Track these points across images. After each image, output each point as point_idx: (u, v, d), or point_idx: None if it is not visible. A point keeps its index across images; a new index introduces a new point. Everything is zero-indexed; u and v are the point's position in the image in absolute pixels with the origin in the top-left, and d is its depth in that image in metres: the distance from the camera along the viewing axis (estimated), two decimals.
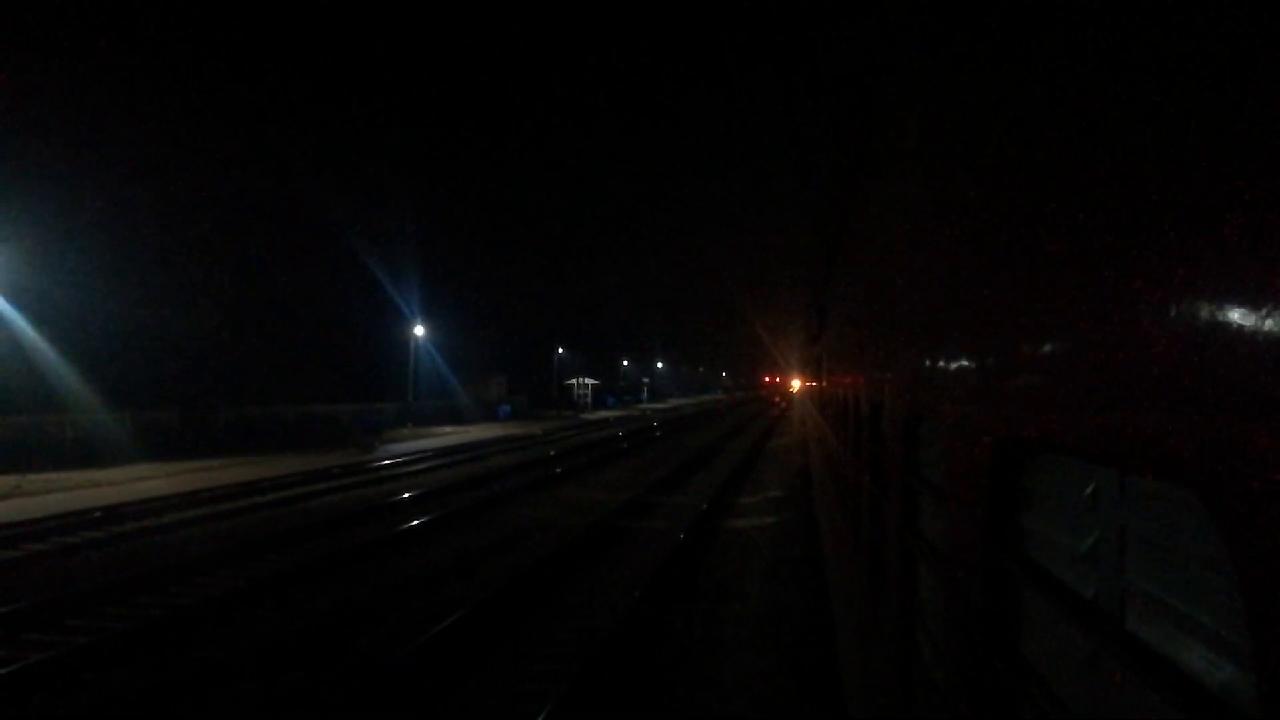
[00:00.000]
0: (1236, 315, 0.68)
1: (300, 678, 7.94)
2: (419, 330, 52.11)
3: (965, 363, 1.68)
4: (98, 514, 15.91)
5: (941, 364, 1.95)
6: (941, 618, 2.08)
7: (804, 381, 25.38)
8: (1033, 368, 1.22)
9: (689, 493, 20.18)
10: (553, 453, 30.75)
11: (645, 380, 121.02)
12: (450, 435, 41.04)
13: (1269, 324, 0.63)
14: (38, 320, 30.92)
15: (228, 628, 9.47)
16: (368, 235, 57.63)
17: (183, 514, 16.64)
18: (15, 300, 29.43)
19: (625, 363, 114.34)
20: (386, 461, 26.67)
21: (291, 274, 53.23)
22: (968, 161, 1.69)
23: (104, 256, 36.66)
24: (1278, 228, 0.63)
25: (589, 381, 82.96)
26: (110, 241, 37.71)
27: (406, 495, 18.98)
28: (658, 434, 42.18)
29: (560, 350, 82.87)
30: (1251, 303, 0.65)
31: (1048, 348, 1.15)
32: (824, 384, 11.29)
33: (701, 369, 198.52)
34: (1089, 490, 1.22)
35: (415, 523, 15.06)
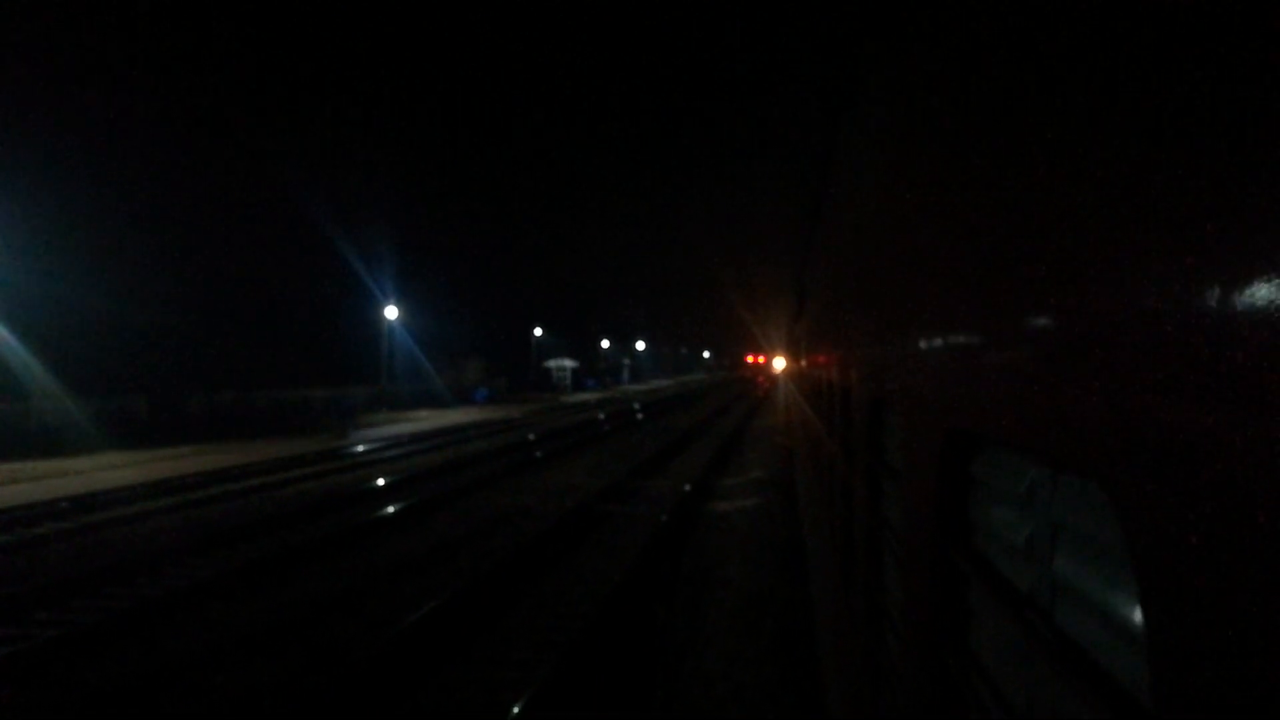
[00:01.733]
0: (1126, 317, 0.74)
1: (274, 669, 7.74)
2: (392, 312, 51.41)
3: (922, 351, 1.71)
4: (64, 504, 15.54)
5: (902, 351, 1.99)
6: (898, 606, 2.13)
7: (787, 361, 25.37)
8: (980, 360, 1.26)
9: (671, 476, 20.10)
10: (531, 437, 30.53)
11: (626, 361, 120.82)
12: (426, 420, 40.67)
13: (1148, 323, 0.69)
14: None
15: (199, 620, 9.23)
16: (340, 215, 56.72)
17: (152, 503, 16.26)
18: None
19: (605, 343, 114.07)
20: (361, 447, 26.35)
21: (262, 256, 52.35)
22: (924, 152, 1.71)
23: (68, 243, 35.72)
24: (1166, 242, 0.67)
25: (568, 363, 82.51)
26: (74, 228, 36.75)
27: (382, 482, 18.74)
28: (639, 416, 42.05)
29: (539, 331, 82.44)
30: (1140, 308, 0.71)
31: (992, 341, 1.20)
32: (804, 364, 11.24)
33: (684, 349, 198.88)
34: (1026, 484, 1.23)
35: (391, 510, 14.84)
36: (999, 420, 1.15)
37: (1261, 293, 0.54)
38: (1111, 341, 0.78)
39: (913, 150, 1.94)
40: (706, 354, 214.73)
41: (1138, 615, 0.85)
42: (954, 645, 1.49)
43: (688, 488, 17.24)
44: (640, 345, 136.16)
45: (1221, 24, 0.60)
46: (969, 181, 1.34)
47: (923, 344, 1.70)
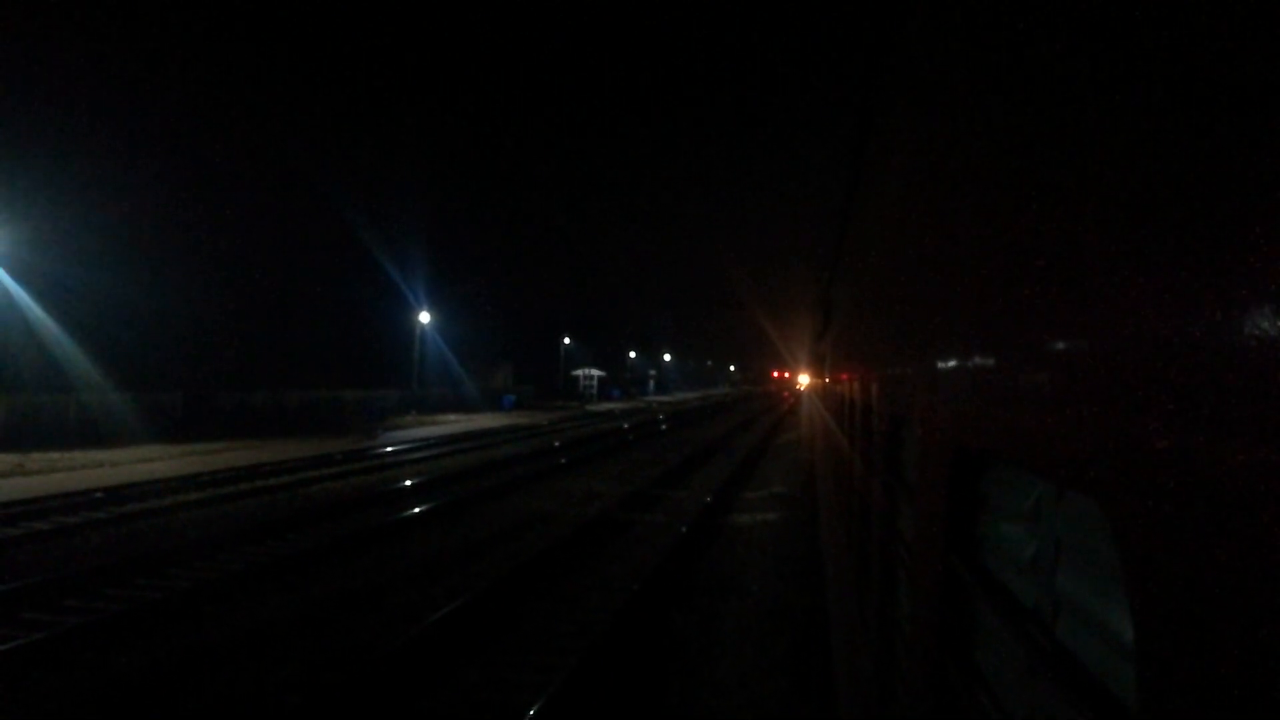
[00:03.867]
0: (1122, 340, 0.77)
1: (298, 663, 7.89)
2: (425, 317, 52.04)
3: (936, 371, 1.75)
4: (99, 494, 15.94)
5: (918, 371, 2.03)
6: (908, 620, 2.14)
7: (811, 378, 25.27)
8: (988, 380, 1.28)
9: (692, 487, 20.10)
10: (557, 444, 30.68)
11: (652, 373, 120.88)
12: (454, 423, 41.05)
13: (1146, 349, 0.71)
14: (45, 300, 30.96)
15: (226, 612, 9.43)
16: (375, 222, 57.57)
17: (184, 496, 16.65)
18: (23, 279, 29.46)
19: (632, 354, 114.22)
20: (389, 449, 26.67)
21: (298, 259, 53.26)
22: (946, 173, 1.72)
23: (111, 239, 36.68)
24: (1160, 269, 0.69)
25: (595, 373, 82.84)
26: (118, 224, 37.74)
27: (408, 483, 18.95)
28: (663, 427, 42.08)
29: (567, 340, 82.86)
30: (1135, 332, 0.74)
31: (999, 362, 1.23)
32: (827, 381, 11.24)
33: (709, 362, 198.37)
34: (1032, 500, 1.25)
35: (416, 511, 15.02)
36: (1005, 438, 1.18)
37: (1251, 317, 0.56)
38: (1107, 364, 0.80)
39: (923, 183, 2.01)
40: (732, 368, 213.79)
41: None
42: (958, 658, 1.51)
43: (709, 499, 17.22)
44: (667, 357, 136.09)
45: None
46: (977, 210, 1.38)
47: (937, 364, 1.73)
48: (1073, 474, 0.90)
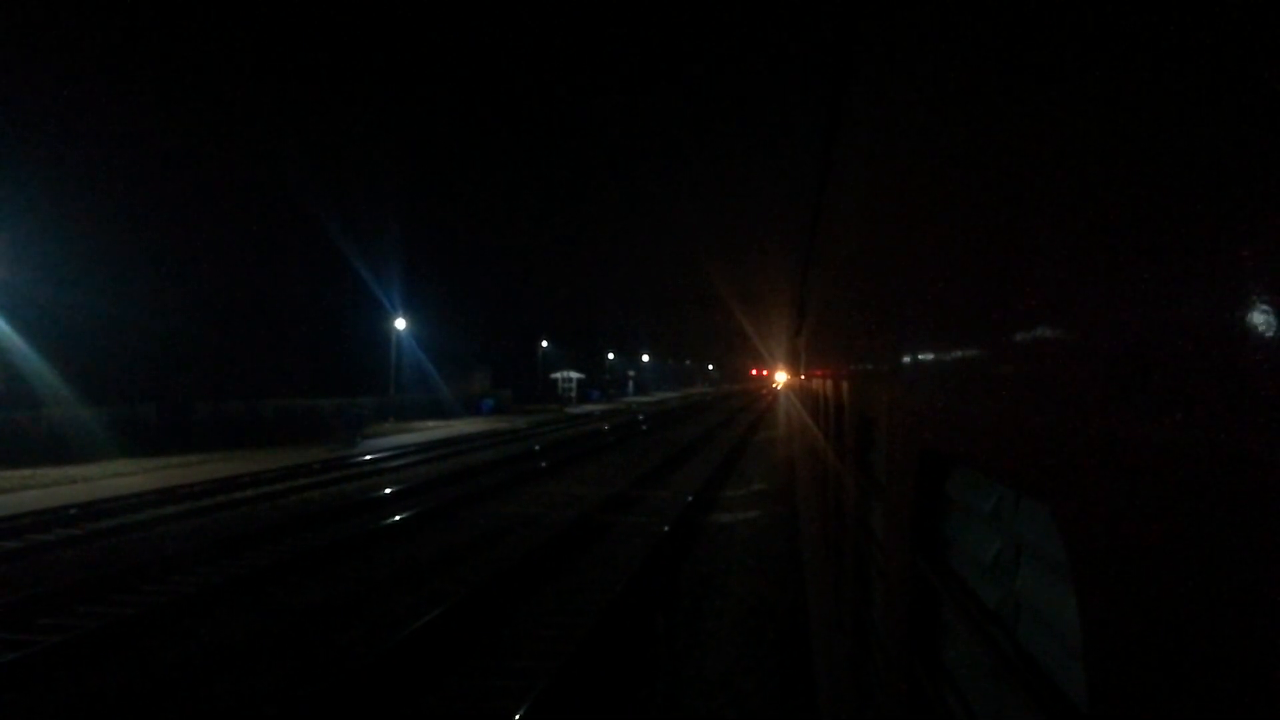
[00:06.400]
0: (1066, 346, 0.79)
1: (278, 675, 7.84)
2: (400, 324, 51.68)
3: (901, 372, 1.76)
4: (73, 511, 15.68)
5: (884, 371, 2.04)
6: (880, 618, 2.15)
7: (788, 375, 25.45)
8: (947, 382, 1.30)
9: (673, 487, 20.16)
10: (536, 447, 30.61)
11: (630, 374, 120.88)
12: (433, 430, 40.80)
13: (1089, 357, 0.73)
14: (10, 314, 30.37)
15: (205, 626, 9.34)
16: (349, 227, 57.12)
17: (160, 510, 16.42)
18: None
19: (610, 356, 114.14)
20: (368, 456, 26.47)
21: (271, 266, 52.70)
22: (907, 181, 1.74)
23: (79, 250, 36.09)
24: (1095, 271, 0.72)
25: (574, 375, 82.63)
26: (86, 236, 37.14)
27: (388, 490, 18.84)
28: (643, 428, 42.11)
29: (545, 343, 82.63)
30: (1077, 338, 0.76)
31: (956, 363, 1.24)
32: (802, 378, 11.32)
33: (688, 362, 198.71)
34: (993, 503, 1.26)
35: (397, 518, 14.95)
36: (964, 443, 1.19)
37: (1187, 324, 0.57)
38: (1053, 371, 0.82)
39: (886, 188, 2.05)
40: (710, 367, 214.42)
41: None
42: (926, 659, 1.53)
43: (690, 498, 17.30)
44: (645, 358, 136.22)
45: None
46: (936, 215, 1.40)
47: (902, 366, 1.74)
48: (1024, 479, 0.91)
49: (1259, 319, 0.49)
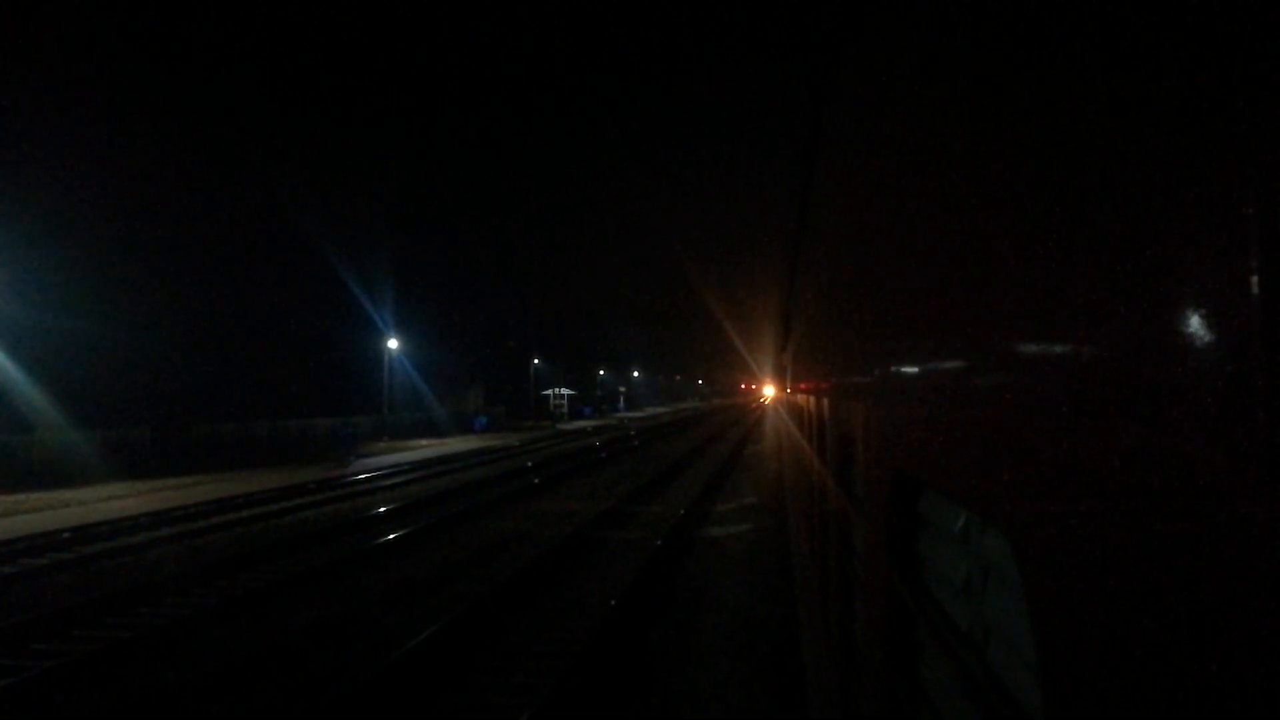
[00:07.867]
0: (1023, 373, 0.80)
1: (274, 697, 7.91)
2: (393, 343, 51.76)
3: (876, 395, 1.78)
4: (66, 535, 15.68)
5: (861, 393, 2.06)
6: (861, 636, 2.18)
7: (776, 389, 25.62)
8: (916, 405, 1.30)
9: (665, 502, 20.26)
10: (529, 464, 30.67)
11: (622, 389, 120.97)
12: (426, 448, 40.79)
13: (1045, 383, 0.73)
14: (2, 338, 30.34)
15: (200, 648, 9.39)
16: (341, 248, 57.25)
17: (154, 533, 16.42)
18: None
19: (602, 372, 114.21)
20: (362, 476, 26.47)
21: (264, 287, 52.75)
22: (880, 201, 1.75)
23: (71, 273, 36.11)
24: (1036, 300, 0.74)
25: (565, 392, 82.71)
26: (77, 258, 37.16)
27: (382, 509, 18.88)
28: (635, 443, 42.18)
29: (536, 361, 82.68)
30: (1033, 364, 0.77)
31: (928, 391, 1.24)
32: (789, 393, 11.48)
33: (678, 377, 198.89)
34: (961, 524, 1.28)
35: (391, 537, 15.00)
36: (930, 466, 1.20)
37: (1128, 347, 0.58)
38: (1009, 393, 0.83)
39: (860, 208, 2.09)
40: (700, 382, 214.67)
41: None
42: (903, 676, 1.54)
43: (682, 512, 17.40)
44: (636, 374, 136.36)
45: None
46: (903, 242, 1.43)
47: (877, 386, 1.76)
48: (982, 503, 0.93)
49: (1207, 345, 0.49)
